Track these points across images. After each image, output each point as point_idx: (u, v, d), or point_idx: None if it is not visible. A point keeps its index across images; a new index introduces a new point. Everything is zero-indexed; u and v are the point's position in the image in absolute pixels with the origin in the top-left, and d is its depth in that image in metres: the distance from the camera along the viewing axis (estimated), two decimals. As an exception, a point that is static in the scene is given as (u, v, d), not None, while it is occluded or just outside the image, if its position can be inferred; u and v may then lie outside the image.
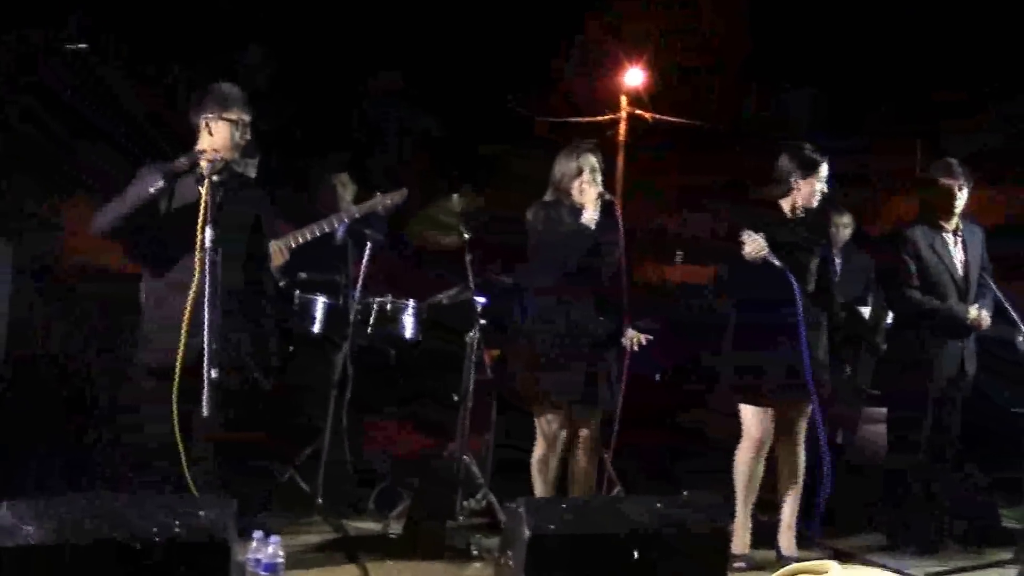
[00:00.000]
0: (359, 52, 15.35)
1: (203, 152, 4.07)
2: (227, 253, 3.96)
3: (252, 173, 4.88)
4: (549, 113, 17.57)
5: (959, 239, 5.12)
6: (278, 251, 4.76)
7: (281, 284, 5.13)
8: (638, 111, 18.91)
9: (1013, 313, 4.58)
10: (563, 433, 4.78)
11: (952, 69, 15.69)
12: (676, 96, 18.24)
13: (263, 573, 3.91)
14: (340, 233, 5.42)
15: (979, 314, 5.00)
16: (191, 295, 3.83)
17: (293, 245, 4.83)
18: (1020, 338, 4.55)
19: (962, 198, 5.06)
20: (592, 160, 4.73)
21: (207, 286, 3.79)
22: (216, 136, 4.13)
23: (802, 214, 4.79)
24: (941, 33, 15.46)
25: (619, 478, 5.18)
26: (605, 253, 4.71)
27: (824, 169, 4.74)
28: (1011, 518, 5.04)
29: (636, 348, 4.75)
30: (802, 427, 4.77)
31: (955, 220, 5.11)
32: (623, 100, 19.11)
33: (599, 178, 4.72)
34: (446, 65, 16.16)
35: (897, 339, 5.39)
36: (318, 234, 4.92)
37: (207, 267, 3.80)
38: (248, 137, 4.19)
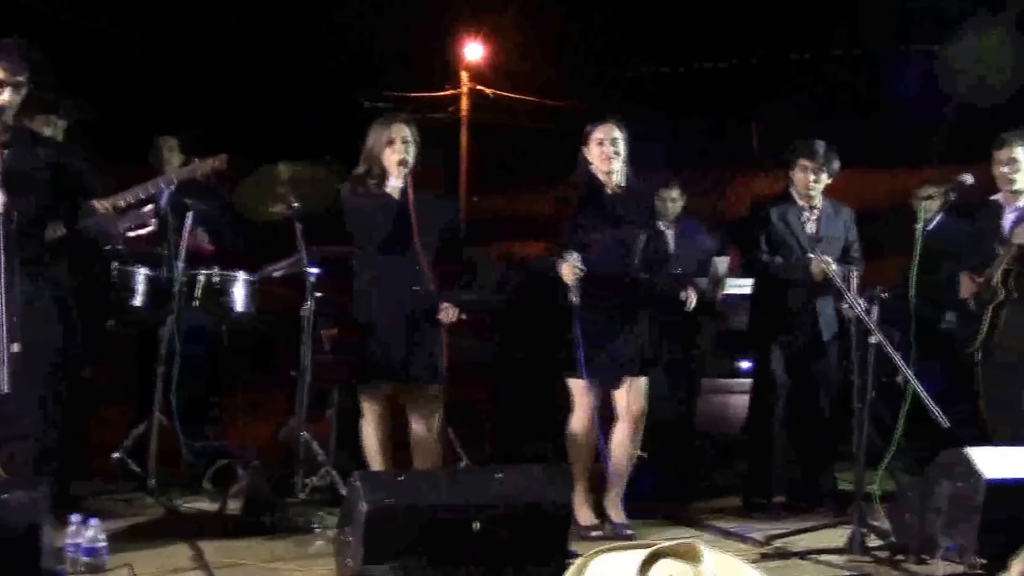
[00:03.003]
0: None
1: None
2: (22, 218, 3.74)
3: (59, 136, 4.65)
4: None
5: (814, 215, 5.30)
6: (107, 212, 4.48)
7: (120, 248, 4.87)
8: (479, 87, 18.90)
9: (841, 284, 4.66)
10: (387, 408, 4.73)
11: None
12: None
13: (83, 557, 3.74)
14: (163, 201, 5.18)
15: (819, 263, 5.00)
16: None
17: (123, 204, 4.59)
18: (845, 305, 4.58)
19: (820, 179, 5.25)
20: (405, 130, 4.68)
21: (1, 256, 3.56)
22: None
23: (615, 185, 4.81)
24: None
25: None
26: (422, 226, 4.60)
27: (607, 127, 4.78)
28: (846, 481, 5.18)
29: (452, 321, 4.69)
30: (632, 403, 4.77)
31: (815, 199, 5.29)
32: (463, 75, 19.05)
33: (411, 149, 4.67)
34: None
35: (754, 306, 5.55)
36: (142, 197, 4.68)
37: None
38: (18, 96, 3.86)
